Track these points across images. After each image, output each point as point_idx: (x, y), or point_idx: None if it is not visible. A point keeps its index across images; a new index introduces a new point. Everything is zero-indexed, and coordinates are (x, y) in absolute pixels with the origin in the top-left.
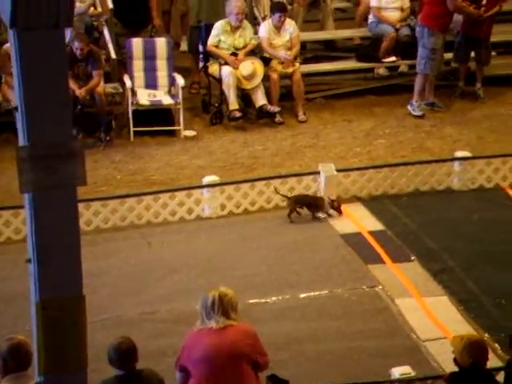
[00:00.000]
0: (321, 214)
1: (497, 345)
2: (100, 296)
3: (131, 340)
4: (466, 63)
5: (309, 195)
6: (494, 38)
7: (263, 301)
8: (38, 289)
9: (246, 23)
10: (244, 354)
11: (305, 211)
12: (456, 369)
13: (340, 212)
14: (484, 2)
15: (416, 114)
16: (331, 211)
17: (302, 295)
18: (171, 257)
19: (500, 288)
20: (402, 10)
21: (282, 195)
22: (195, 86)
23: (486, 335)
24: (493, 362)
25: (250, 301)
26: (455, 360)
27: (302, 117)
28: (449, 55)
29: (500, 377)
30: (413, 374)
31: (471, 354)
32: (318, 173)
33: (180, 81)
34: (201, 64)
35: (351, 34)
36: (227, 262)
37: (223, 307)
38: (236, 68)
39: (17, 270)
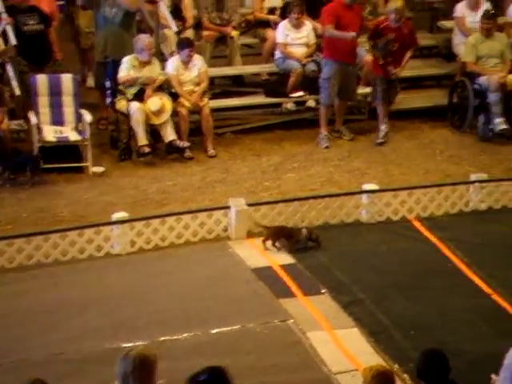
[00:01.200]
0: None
1: (406, 375)
2: (6, 338)
3: (43, 381)
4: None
5: (286, 227)
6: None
7: (174, 337)
8: None
9: (153, 59)
10: None
11: (283, 243)
12: None
13: (319, 244)
14: (394, 46)
15: (322, 145)
16: (310, 243)
17: (214, 331)
18: (80, 295)
19: (409, 319)
20: (307, 45)
21: (261, 226)
22: (103, 122)
23: (396, 366)
24: None
25: (161, 338)
26: None
27: (211, 152)
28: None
29: None
30: None
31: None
32: (229, 207)
33: (87, 117)
34: (108, 100)
35: (259, 70)
36: (138, 299)
37: (142, 376)
38: (146, 100)
39: None
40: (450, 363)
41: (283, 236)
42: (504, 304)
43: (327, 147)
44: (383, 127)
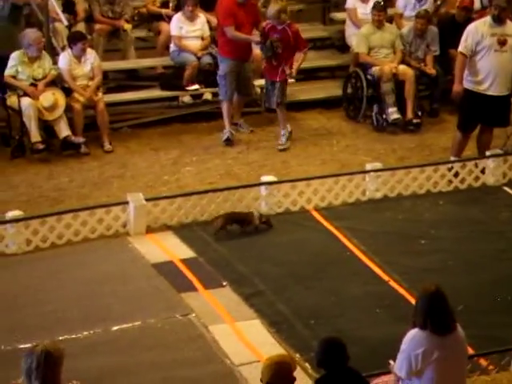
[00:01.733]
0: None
1: (307, 364)
2: None
3: None
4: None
5: (237, 212)
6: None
7: (73, 336)
8: None
9: (44, 54)
10: None
11: (234, 228)
12: None
13: (270, 225)
14: (280, 47)
15: (223, 138)
16: (262, 226)
17: (114, 328)
18: None
19: (309, 309)
20: (202, 38)
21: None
22: None
23: (297, 355)
24: (303, 381)
25: (60, 337)
26: (261, 381)
27: (108, 147)
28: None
29: None
30: None
31: (271, 373)
32: (127, 203)
33: None
34: None
35: (153, 63)
36: (34, 299)
37: (47, 372)
38: (36, 99)
39: None
40: (349, 351)
41: (236, 221)
42: (400, 290)
43: (229, 141)
44: (284, 131)
